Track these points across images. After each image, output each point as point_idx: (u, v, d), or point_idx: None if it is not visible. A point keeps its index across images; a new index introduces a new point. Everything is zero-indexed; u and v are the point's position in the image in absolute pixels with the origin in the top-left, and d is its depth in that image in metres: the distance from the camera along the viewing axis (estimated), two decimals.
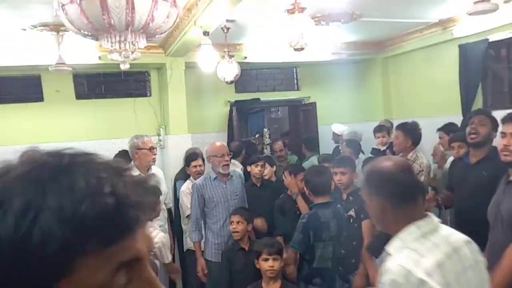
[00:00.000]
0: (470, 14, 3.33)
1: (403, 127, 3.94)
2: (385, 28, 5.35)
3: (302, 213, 3.29)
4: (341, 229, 3.09)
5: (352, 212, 3.29)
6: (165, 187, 4.40)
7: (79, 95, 5.48)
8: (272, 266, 2.83)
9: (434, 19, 5.01)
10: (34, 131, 5.01)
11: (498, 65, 4.97)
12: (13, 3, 3.35)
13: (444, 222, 3.74)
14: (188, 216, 4.22)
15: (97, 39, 2.00)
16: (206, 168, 4.39)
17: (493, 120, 3.23)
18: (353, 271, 3.22)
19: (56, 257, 0.50)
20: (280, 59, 5.74)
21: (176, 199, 4.70)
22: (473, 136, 3.19)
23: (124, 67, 2.72)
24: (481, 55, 4.90)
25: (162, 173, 4.54)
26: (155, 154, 4.13)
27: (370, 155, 4.84)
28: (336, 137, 5.98)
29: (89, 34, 1.97)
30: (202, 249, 3.84)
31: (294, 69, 6.74)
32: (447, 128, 4.37)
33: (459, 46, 5.12)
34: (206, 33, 3.98)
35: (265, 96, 6.48)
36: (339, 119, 6.31)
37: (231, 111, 6.07)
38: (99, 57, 4.74)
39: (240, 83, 6.09)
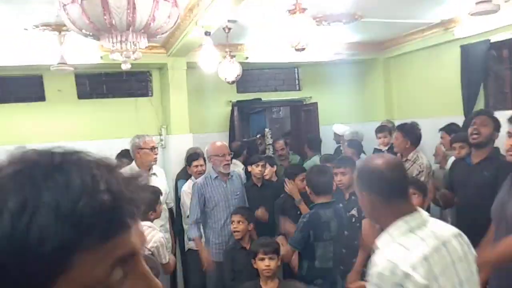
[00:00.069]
0: (471, 15, 3.33)
1: (401, 128, 3.97)
2: (387, 29, 5.35)
3: (303, 213, 3.30)
4: (342, 229, 3.09)
5: (354, 212, 3.30)
6: (166, 187, 4.40)
7: (81, 95, 5.49)
8: (269, 266, 2.84)
9: (436, 19, 5.00)
10: (35, 130, 5.02)
11: (500, 65, 4.96)
12: (15, 2, 3.35)
13: (445, 222, 3.72)
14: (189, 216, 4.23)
15: (98, 39, 2.00)
16: (207, 168, 4.40)
17: (495, 120, 3.23)
18: None
19: (54, 254, 0.50)
20: (282, 59, 5.74)
21: (178, 199, 4.71)
22: (475, 136, 3.19)
23: (125, 67, 2.73)
24: (483, 56, 4.89)
25: (164, 173, 4.54)
26: (156, 154, 4.13)
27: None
28: (338, 137, 5.99)
29: (91, 34, 1.97)
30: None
31: (296, 69, 6.75)
32: (449, 128, 4.37)
33: (461, 46, 5.11)
34: (207, 33, 3.99)
35: (266, 96, 6.48)
36: (340, 119, 6.31)
37: (232, 111, 6.08)
38: (101, 57, 4.75)
39: (241, 83, 6.09)
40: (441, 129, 4.48)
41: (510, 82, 4.91)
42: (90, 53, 4.70)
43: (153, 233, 2.95)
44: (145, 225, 2.97)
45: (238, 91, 6.29)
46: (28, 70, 5.08)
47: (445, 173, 4.08)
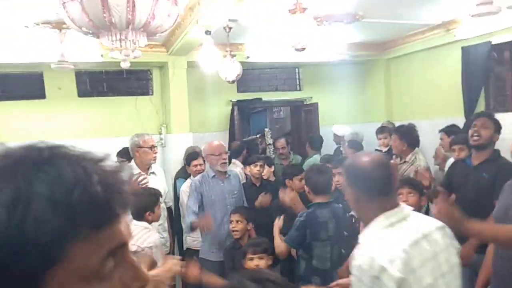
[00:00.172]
0: (472, 16, 3.32)
1: (398, 130, 4.00)
2: (388, 30, 5.34)
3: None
4: (341, 230, 3.08)
5: (354, 212, 3.28)
6: (165, 186, 4.40)
7: (81, 93, 5.49)
8: (257, 265, 2.82)
9: (437, 21, 5.00)
10: (35, 128, 5.02)
11: (501, 67, 4.95)
12: (16, 0, 3.35)
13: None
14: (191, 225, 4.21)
15: (98, 37, 1.99)
16: (206, 167, 4.39)
17: (496, 122, 3.23)
18: None
19: (50, 243, 0.51)
20: (282, 59, 5.74)
21: (176, 198, 4.70)
22: (475, 138, 3.19)
23: (125, 65, 2.72)
24: (484, 58, 4.88)
25: (163, 172, 4.54)
26: (155, 153, 4.13)
27: None
28: (338, 138, 5.99)
29: (90, 32, 1.96)
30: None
31: (296, 69, 6.74)
32: (449, 130, 4.36)
33: (462, 48, 5.10)
34: (208, 33, 3.99)
35: (267, 96, 6.48)
36: (340, 120, 6.31)
37: (232, 111, 6.07)
38: (102, 55, 4.74)
39: (242, 83, 6.09)
40: (440, 130, 4.47)
41: (511, 84, 4.90)
42: (91, 51, 4.69)
43: (149, 234, 2.94)
44: (141, 226, 2.97)
45: (238, 91, 6.28)
46: (28, 67, 5.08)
47: (444, 174, 4.08)
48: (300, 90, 6.76)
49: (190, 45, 4.66)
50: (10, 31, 4.18)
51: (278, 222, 3.24)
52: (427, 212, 3.77)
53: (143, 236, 2.87)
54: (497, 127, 3.21)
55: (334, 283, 2.19)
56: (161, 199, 3.55)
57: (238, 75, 4.53)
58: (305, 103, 6.67)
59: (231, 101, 6.14)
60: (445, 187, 3.56)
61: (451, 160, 3.75)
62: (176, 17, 2.08)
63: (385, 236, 1.57)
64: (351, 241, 3.19)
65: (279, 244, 3.05)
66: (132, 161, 4.06)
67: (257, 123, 8.87)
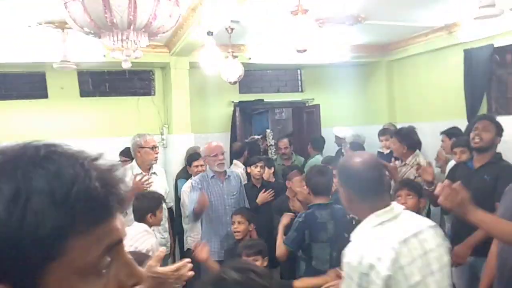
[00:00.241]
0: (475, 19, 3.32)
1: (397, 133, 4.00)
2: (390, 32, 5.34)
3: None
4: (340, 231, 3.07)
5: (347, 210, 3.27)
6: (166, 186, 4.40)
7: (84, 93, 5.51)
8: None
9: (439, 23, 5.00)
10: (37, 127, 5.04)
11: (503, 70, 4.95)
12: (19, 0, 3.36)
13: (442, 226, 3.71)
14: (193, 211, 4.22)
15: (99, 37, 2.00)
16: (207, 168, 4.40)
17: (497, 125, 3.22)
18: None
19: (50, 239, 0.52)
20: (284, 61, 5.74)
21: (177, 198, 4.71)
22: (476, 141, 3.19)
23: (126, 65, 2.73)
24: (486, 60, 4.87)
25: (164, 172, 4.54)
26: (157, 153, 4.13)
27: None
28: (339, 140, 5.98)
29: (92, 32, 1.97)
30: None
31: (298, 70, 6.74)
32: (450, 132, 4.36)
33: (464, 51, 5.09)
34: (210, 33, 3.99)
35: (269, 97, 6.48)
36: (342, 121, 6.30)
37: (234, 112, 6.07)
38: (104, 55, 4.76)
39: (244, 84, 6.09)
40: (442, 133, 4.46)
41: None
42: (93, 51, 4.70)
43: (147, 237, 2.94)
44: (142, 228, 2.97)
45: (240, 92, 6.29)
46: (31, 67, 5.10)
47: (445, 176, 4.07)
48: (302, 91, 6.76)
49: (192, 46, 4.67)
50: (13, 30, 4.20)
51: (284, 220, 3.19)
52: (428, 214, 3.77)
53: (141, 238, 2.87)
54: (499, 130, 3.21)
55: (328, 284, 2.21)
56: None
57: (239, 76, 4.54)
58: (307, 104, 6.67)
59: (233, 102, 6.15)
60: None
61: (452, 163, 3.75)
62: (178, 17, 2.08)
63: (375, 234, 1.62)
64: None
65: (279, 245, 3.04)
66: (133, 161, 4.07)
67: (259, 124, 8.88)
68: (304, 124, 6.71)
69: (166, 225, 4.19)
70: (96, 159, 0.61)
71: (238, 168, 4.96)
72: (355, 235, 1.67)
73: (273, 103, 6.83)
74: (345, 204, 1.82)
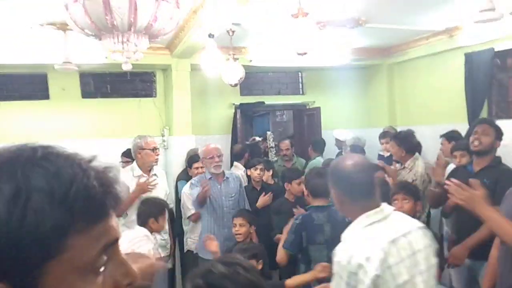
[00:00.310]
0: (475, 22, 3.32)
1: (396, 137, 4.01)
2: (391, 35, 5.34)
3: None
4: (337, 233, 3.06)
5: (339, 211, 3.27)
6: (167, 188, 4.41)
7: (85, 94, 5.52)
8: None
9: (440, 27, 5.00)
10: (39, 128, 5.05)
11: (504, 74, 4.95)
12: (21, 1, 3.38)
13: (440, 230, 3.70)
14: (189, 217, 4.24)
15: (100, 39, 2.01)
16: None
17: (497, 129, 3.23)
18: None
19: (50, 237, 0.53)
20: (285, 63, 5.75)
21: (178, 200, 4.71)
22: (476, 144, 3.20)
23: (126, 67, 2.74)
24: (487, 64, 4.87)
25: (164, 174, 4.55)
26: (157, 155, 4.14)
27: None
28: (339, 143, 5.98)
29: (93, 34, 1.98)
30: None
31: (299, 73, 6.75)
32: (450, 135, 4.35)
33: (465, 54, 5.09)
34: (211, 36, 4.01)
35: (270, 100, 6.48)
36: (343, 124, 6.30)
37: (235, 114, 6.08)
38: (106, 57, 4.77)
39: (245, 86, 6.10)
40: (441, 136, 4.46)
41: None
42: (95, 53, 4.71)
43: (145, 242, 2.95)
44: (142, 232, 2.98)
45: (241, 94, 6.29)
46: (32, 68, 5.11)
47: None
48: (303, 94, 6.77)
49: (193, 48, 4.68)
50: (15, 31, 4.22)
51: (287, 227, 3.13)
52: (428, 217, 3.77)
53: (138, 242, 2.87)
54: (498, 134, 3.22)
55: (322, 285, 2.25)
56: None
57: (240, 78, 4.55)
58: (307, 107, 6.67)
59: (234, 104, 6.15)
60: (443, 195, 3.54)
61: (451, 166, 3.75)
62: (178, 20, 2.09)
63: (365, 235, 1.66)
64: None
65: (279, 249, 3.04)
66: (134, 162, 4.08)
67: (259, 126, 8.90)
68: (305, 126, 6.72)
69: (166, 227, 4.19)
70: (90, 161, 0.62)
71: (238, 170, 4.96)
72: (346, 235, 1.72)
73: (274, 106, 6.83)
74: (337, 205, 1.87)
